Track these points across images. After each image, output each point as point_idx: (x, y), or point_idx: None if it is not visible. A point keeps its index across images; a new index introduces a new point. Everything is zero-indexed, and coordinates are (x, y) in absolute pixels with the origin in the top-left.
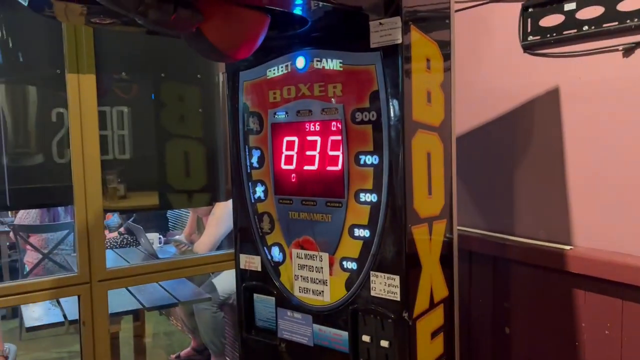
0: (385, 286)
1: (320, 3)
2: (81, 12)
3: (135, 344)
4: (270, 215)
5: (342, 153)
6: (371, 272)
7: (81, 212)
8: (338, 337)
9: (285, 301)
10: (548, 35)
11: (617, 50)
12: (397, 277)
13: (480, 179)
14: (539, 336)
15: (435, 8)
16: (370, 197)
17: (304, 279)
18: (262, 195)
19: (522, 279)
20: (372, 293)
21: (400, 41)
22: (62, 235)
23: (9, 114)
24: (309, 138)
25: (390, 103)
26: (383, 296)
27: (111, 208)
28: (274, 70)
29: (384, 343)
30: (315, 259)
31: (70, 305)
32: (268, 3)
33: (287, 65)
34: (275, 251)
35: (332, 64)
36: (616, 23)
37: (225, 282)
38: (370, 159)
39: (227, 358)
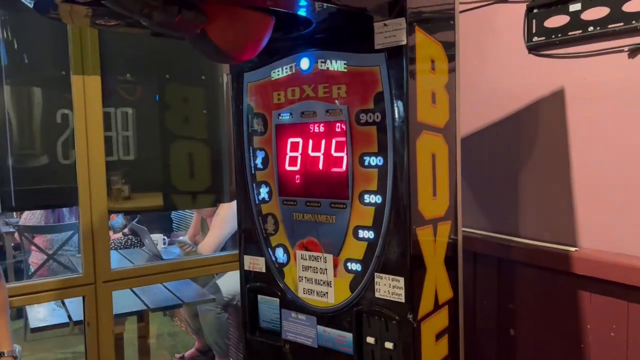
0: (389, 287)
1: (325, 4)
2: (86, 13)
3: (140, 344)
4: (274, 217)
5: (347, 154)
6: (376, 273)
7: (86, 213)
8: (342, 338)
9: (290, 302)
10: (553, 36)
11: (623, 51)
12: (401, 279)
13: (485, 180)
14: (544, 338)
15: (439, 9)
16: (375, 199)
17: (308, 280)
18: (266, 196)
19: (527, 281)
20: (377, 294)
21: (404, 42)
22: (66, 236)
23: (14, 116)
24: (313, 139)
25: (395, 104)
26: (387, 298)
27: (115, 209)
28: (278, 71)
29: (389, 345)
30: (319, 260)
31: (75, 306)
32: (272, 4)
33: (291, 67)
34: (280, 252)
35: (337, 65)
36: (621, 24)
37: (229, 283)
38: (375, 160)
39: (231, 359)
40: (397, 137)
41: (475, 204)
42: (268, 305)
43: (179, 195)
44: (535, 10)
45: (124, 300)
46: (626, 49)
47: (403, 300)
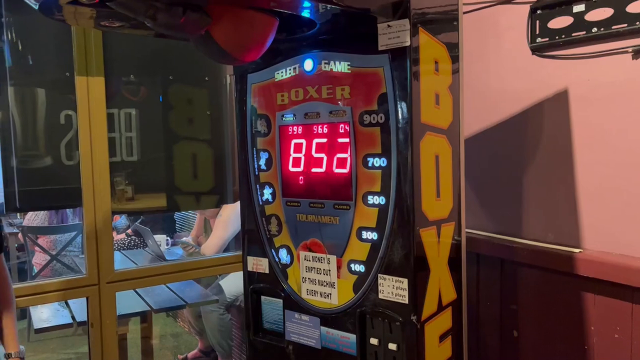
0: (393, 289)
1: (329, 5)
2: (91, 15)
3: (143, 345)
4: (278, 218)
5: (350, 155)
6: (379, 274)
7: (90, 214)
8: (346, 339)
9: (293, 303)
10: (557, 37)
11: (627, 52)
12: (405, 280)
13: (489, 181)
14: (548, 339)
15: (443, 10)
16: (379, 200)
17: (311, 281)
18: (269, 197)
19: (530, 282)
20: (380, 296)
21: (408, 43)
22: (70, 237)
23: (18, 117)
24: (317, 140)
25: (399, 105)
26: (391, 299)
27: (119, 210)
28: (282, 72)
29: (392, 346)
30: (323, 261)
31: (79, 307)
32: (276, 6)
33: (295, 68)
34: (283, 253)
35: (340, 67)
36: (625, 25)
37: (233, 283)
38: (379, 162)
39: None
40: (400, 138)
41: (478, 205)
42: (271, 306)
43: (182, 196)
44: (538, 11)
45: (127, 301)
46: (630, 50)
47: (407, 302)
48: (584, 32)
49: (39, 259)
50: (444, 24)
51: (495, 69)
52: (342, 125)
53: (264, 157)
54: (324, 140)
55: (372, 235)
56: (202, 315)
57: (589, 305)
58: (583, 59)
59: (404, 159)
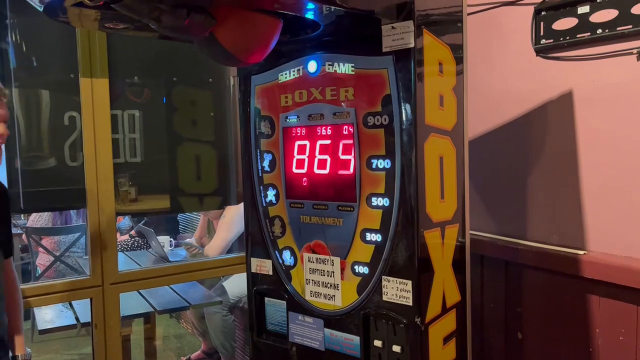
0: (397, 291)
1: (333, 7)
2: (95, 17)
3: (146, 346)
4: (281, 219)
5: (354, 157)
6: (383, 276)
7: (94, 215)
8: (349, 341)
9: (297, 305)
10: (561, 39)
11: (632, 53)
12: (409, 282)
13: (493, 183)
14: (552, 342)
15: (447, 11)
16: (382, 201)
17: (315, 283)
18: (273, 199)
19: (534, 284)
20: (384, 298)
21: (412, 45)
22: (73, 238)
23: (22, 118)
24: (321, 142)
25: (403, 107)
26: (395, 301)
27: (122, 211)
28: (286, 74)
29: (396, 348)
30: (326, 263)
31: (82, 308)
32: (280, 7)
33: (299, 69)
34: (287, 255)
35: (344, 68)
36: (630, 26)
37: (236, 285)
38: (382, 163)
39: None
40: (404, 140)
41: (483, 207)
42: (275, 308)
43: (185, 197)
44: (543, 13)
45: (131, 302)
46: (635, 51)
47: (411, 304)
48: (589, 34)
49: (42, 260)
50: (448, 25)
51: (500, 70)
52: (346, 126)
53: (267, 158)
54: (328, 141)
55: (376, 237)
56: (205, 316)
57: (593, 308)
58: (588, 61)
59: (408, 160)
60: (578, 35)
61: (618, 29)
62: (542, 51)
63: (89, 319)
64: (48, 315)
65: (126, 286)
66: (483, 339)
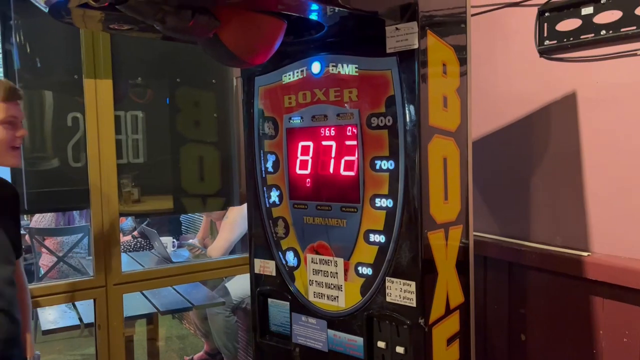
0: (400, 292)
1: (336, 8)
2: (99, 18)
3: (149, 347)
4: (285, 220)
5: (358, 158)
6: (387, 277)
7: (97, 216)
8: (353, 342)
9: (300, 306)
10: (565, 40)
11: (636, 54)
12: (412, 283)
13: (496, 184)
14: (556, 343)
15: (451, 13)
16: (386, 203)
17: (318, 284)
18: (276, 199)
19: (538, 286)
20: (388, 299)
21: (416, 46)
22: (76, 239)
23: (26, 119)
24: (324, 143)
25: (407, 108)
26: (399, 302)
27: (125, 212)
28: (290, 75)
29: (400, 349)
30: (330, 264)
31: (86, 309)
32: (284, 9)
33: (302, 71)
34: (290, 256)
35: (348, 69)
36: (634, 27)
37: (238, 286)
38: (386, 164)
39: None
40: (408, 141)
41: (486, 208)
42: (278, 309)
43: (189, 198)
44: (546, 14)
45: (134, 303)
46: (639, 52)
47: (414, 305)
48: (592, 35)
49: (45, 261)
50: (452, 26)
51: (503, 71)
52: (349, 127)
53: (271, 159)
54: (332, 142)
55: (380, 238)
56: (208, 317)
57: (597, 309)
58: (591, 62)
59: (411, 161)
60: (582, 37)
61: (622, 30)
62: (545, 52)
63: (92, 320)
64: (51, 316)
65: (129, 287)
66: (486, 340)
